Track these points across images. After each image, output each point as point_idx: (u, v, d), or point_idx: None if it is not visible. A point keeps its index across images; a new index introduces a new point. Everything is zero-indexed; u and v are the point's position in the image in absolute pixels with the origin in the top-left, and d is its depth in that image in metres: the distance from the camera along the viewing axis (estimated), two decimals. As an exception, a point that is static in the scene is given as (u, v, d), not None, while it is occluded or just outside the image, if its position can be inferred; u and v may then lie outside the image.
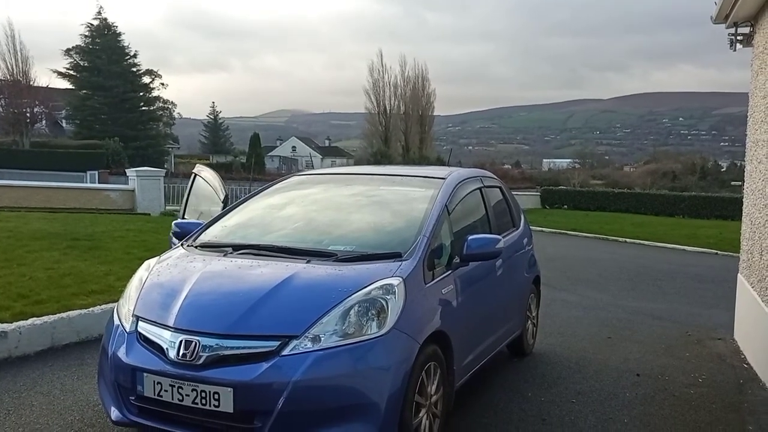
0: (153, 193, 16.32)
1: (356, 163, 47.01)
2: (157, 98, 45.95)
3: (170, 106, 48.47)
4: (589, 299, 8.54)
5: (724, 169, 68.97)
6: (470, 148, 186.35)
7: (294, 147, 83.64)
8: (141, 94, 44.28)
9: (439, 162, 42.39)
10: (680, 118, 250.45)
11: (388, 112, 52.10)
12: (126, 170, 18.32)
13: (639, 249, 15.52)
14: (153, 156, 39.01)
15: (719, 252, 14.74)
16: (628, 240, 16.94)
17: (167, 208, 17.03)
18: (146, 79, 44.73)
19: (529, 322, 5.55)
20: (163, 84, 46.18)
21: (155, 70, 45.19)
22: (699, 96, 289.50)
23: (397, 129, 52.13)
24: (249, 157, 43.92)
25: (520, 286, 5.27)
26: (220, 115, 77.07)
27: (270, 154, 71.15)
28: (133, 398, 3.09)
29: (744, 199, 6.62)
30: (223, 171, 38.31)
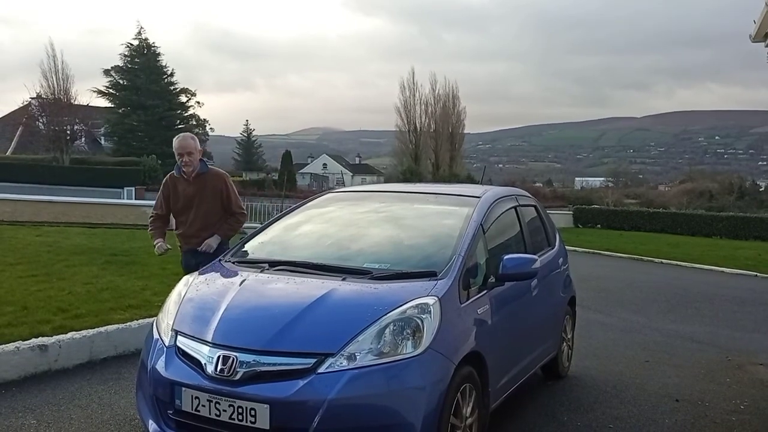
0: (187, 210, 16.57)
1: (386, 181, 47.12)
2: (192, 116, 46.88)
3: (205, 124, 49.39)
4: (625, 321, 8.37)
5: (762, 189, 67.27)
6: (501, 166, 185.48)
7: (325, 164, 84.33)
8: (177, 112, 45.23)
9: (470, 180, 42.25)
10: (716, 137, 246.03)
11: (418, 129, 52.19)
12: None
13: (675, 270, 15.19)
14: (188, 173, 39.59)
15: (759, 274, 14.33)
16: (664, 261, 16.60)
17: (201, 223, 17.24)
18: (182, 98, 45.71)
19: (565, 343, 5.46)
20: (198, 102, 47.17)
21: (191, 89, 46.20)
22: (735, 114, 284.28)
23: (427, 147, 52.16)
24: (281, 175, 44.36)
25: (556, 306, 5.20)
26: (253, 133, 78.26)
27: (301, 171, 71.81)
28: (170, 412, 3.12)
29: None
30: (256, 188, 38.78)
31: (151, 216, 5.23)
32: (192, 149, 4.95)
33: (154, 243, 5.11)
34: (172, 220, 5.25)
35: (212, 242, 4.94)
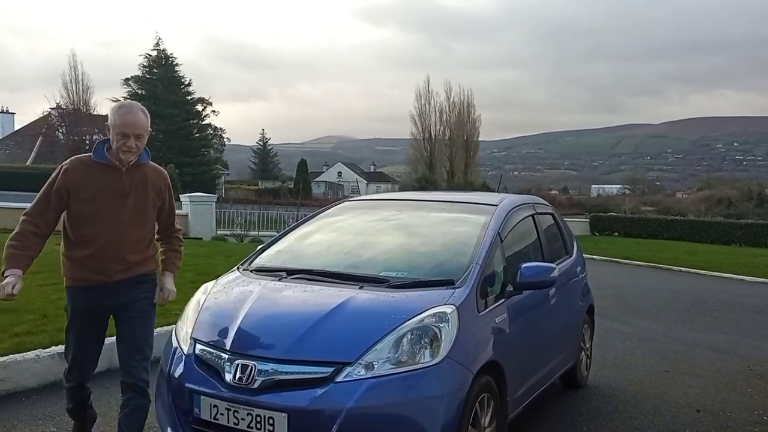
0: (205, 218, 16.72)
1: (401, 189, 47.16)
2: (209, 125, 47.31)
3: (221, 133, 49.82)
4: (644, 330, 8.28)
5: (782, 196, 66.16)
6: (516, 173, 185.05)
7: (340, 172, 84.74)
8: (194, 121, 45.66)
9: (485, 188, 42.14)
10: (735, 143, 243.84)
11: (433, 137, 52.27)
12: (180, 195, 18.81)
13: (694, 278, 15.01)
14: (205, 181, 39.99)
15: (780, 282, 14.14)
16: (682, 269, 16.42)
17: (218, 232, 17.38)
18: (199, 107, 46.14)
19: (583, 353, 5.42)
20: (214, 111, 47.58)
21: (207, 98, 46.61)
22: (754, 120, 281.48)
23: (442, 154, 52.22)
24: (296, 183, 44.63)
25: (574, 315, 5.16)
26: (269, 142, 78.77)
27: (316, 179, 72.14)
28: (189, 420, 3.13)
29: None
30: (272, 196, 38.95)
31: (23, 222, 3.20)
32: (143, 130, 3.27)
33: (5, 273, 3.00)
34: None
35: (172, 286, 3.41)
